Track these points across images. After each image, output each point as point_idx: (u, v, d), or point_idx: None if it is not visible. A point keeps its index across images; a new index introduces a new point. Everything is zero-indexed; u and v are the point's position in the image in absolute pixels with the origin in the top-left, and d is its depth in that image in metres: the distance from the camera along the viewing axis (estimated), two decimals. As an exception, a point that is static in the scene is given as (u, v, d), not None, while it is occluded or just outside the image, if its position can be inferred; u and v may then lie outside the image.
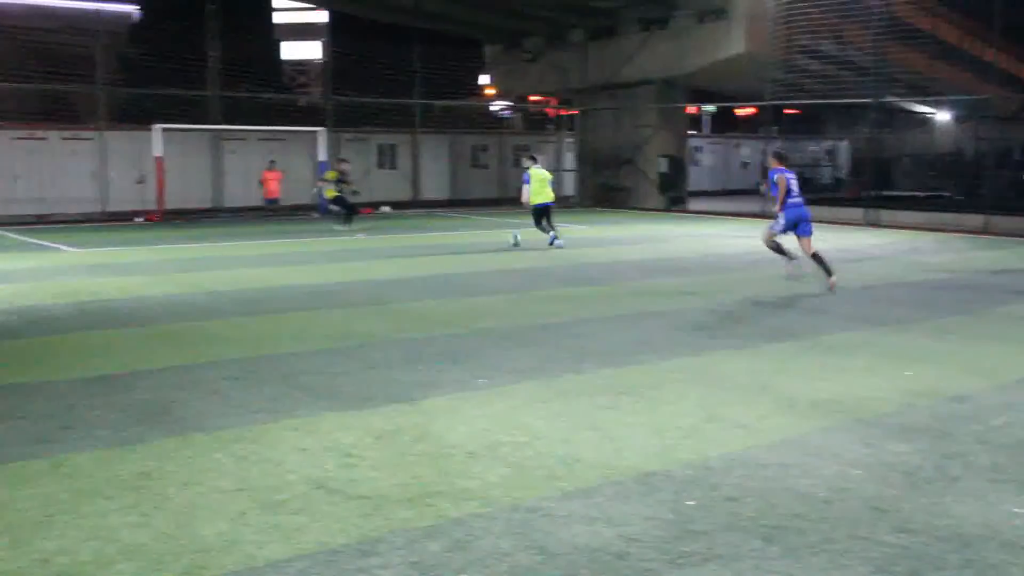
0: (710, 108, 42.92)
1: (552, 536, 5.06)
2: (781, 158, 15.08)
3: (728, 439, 6.80)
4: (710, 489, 5.78)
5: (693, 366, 9.15)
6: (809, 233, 14.58)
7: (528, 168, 20.68)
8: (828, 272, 14.27)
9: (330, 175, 24.73)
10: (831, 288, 14.07)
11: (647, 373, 8.85)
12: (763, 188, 20.02)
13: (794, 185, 14.67)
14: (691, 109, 39.48)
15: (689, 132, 40.67)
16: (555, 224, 20.91)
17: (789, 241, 14.71)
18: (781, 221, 14.63)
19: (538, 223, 20.76)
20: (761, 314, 12.24)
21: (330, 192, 24.37)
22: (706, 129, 52.45)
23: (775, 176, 14.69)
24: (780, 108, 34.19)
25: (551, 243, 20.46)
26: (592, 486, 5.83)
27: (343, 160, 25.86)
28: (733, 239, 23.02)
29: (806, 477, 5.99)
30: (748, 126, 53.12)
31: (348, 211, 24.38)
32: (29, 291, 13.99)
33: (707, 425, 7.15)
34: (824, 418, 7.34)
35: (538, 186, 20.36)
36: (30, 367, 9.13)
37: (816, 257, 14.44)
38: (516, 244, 20.67)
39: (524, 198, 20.60)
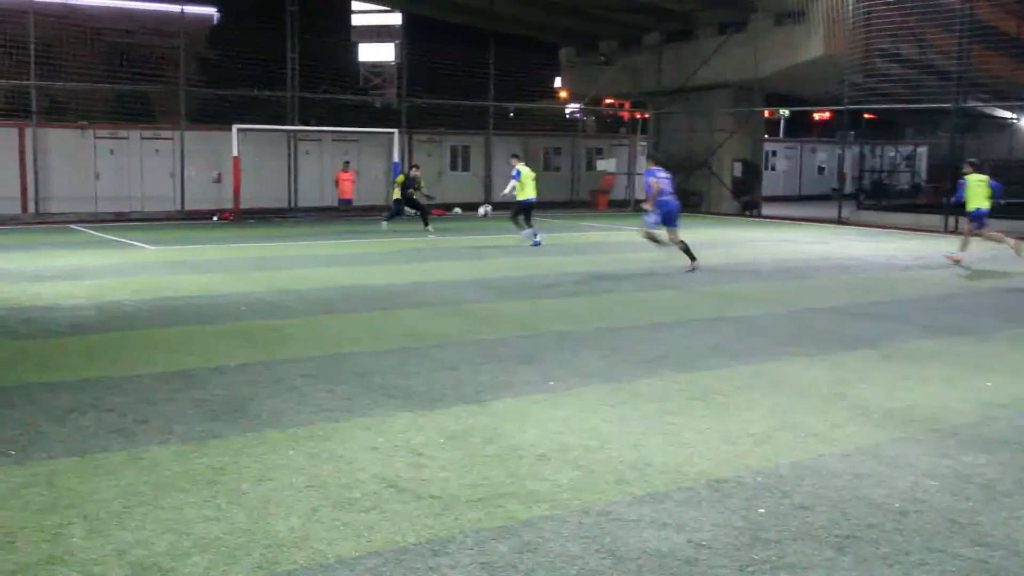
0: (784, 112, 42.50)
1: (621, 540, 5.06)
2: (657, 161, 18.19)
3: (800, 447, 6.73)
4: (781, 497, 5.73)
5: (766, 373, 9.07)
6: (677, 226, 17.42)
7: (516, 166, 21.86)
8: (692, 257, 17.26)
9: (399, 179, 25.56)
10: (692, 269, 17.06)
11: (720, 379, 8.79)
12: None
13: (666, 185, 17.27)
14: (766, 113, 39.10)
15: (764, 136, 40.25)
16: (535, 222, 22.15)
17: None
18: (653, 216, 17.25)
19: (515, 218, 22.01)
20: (838, 321, 12.08)
21: (395, 194, 25.33)
22: (781, 133, 51.90)
23: (649, 178, 17.44)
24: (858, 112, 33.73)
25: (533, 243, 21.48)
26: (662, 491, 5.81)
27: (414, 166, 26.49)
28: (809, 245, 22.75)
29: (880, 487, 5.90)
30: (824, 130, 52.50)
31: (421, 213, 24.93)
32: (110, 287, 14.29)
33: (779, 432, 7.08)
34: (899, 428, 7.23)
35: (527, 184, 21.58)
36: (110, 361, 9.33)
37: (682, 244, 17.36)
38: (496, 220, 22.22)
39: (507, 191, 22.03)
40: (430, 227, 24.22)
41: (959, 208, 20.25)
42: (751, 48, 32.11)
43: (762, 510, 5.51)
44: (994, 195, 19.16)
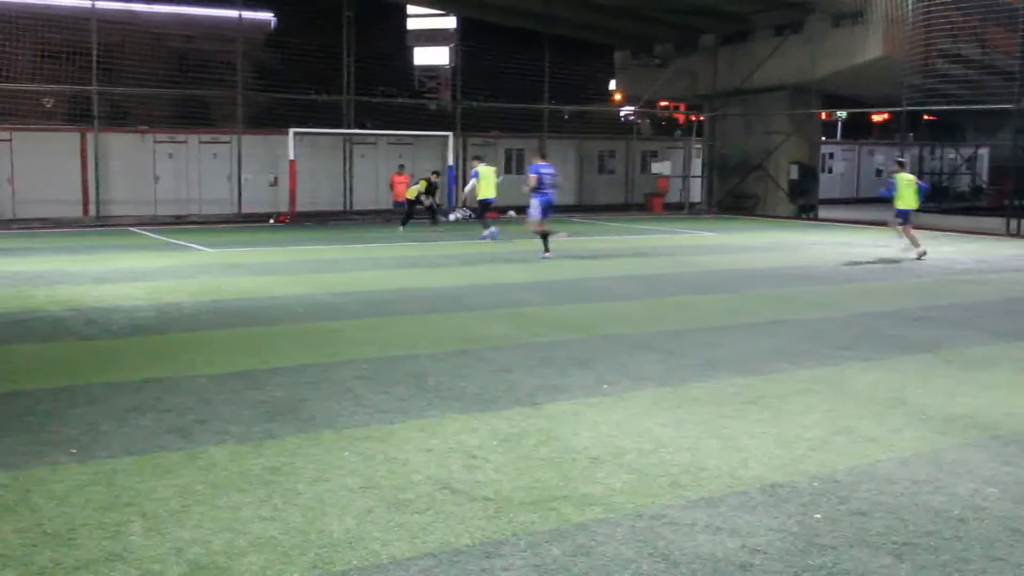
0: (842, 114, 42.05)
1: (675, 544, 5.04)
2: (542, 155, 20.29)
3: (858, 452, 6.66)
4: (838, 503, 5.67)
5: (823, 377, 8.98)
6: (547, 217, 19.48)
7: (476, 167, 23.08)
8: (546, 247, 19.26)
9: (422, 184, 26.57)
10: (543, 256, 19.04)
11: (776, 383, 8.72)
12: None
13: (546, 180, 19.16)
14: (823, 115, 38.71)
15: (821, 138, 39.85)
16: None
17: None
18: (537, 209, 19.29)
19: (482, 216, 23.32)
20: (897, 325, 11.93)
21: (411, 193, 26.42)
22: (839, 135, 51.35)
23: (532, 173, 19.41)
24: (917, 114, 33.27)
25: (482, 238, 22.90)
26: (717, 495, 5.78)
27: (435, 173, 27.99)
28: (867, 248, 22.48)
29: (939, 494, 5.82)
30: (883, 132, 51.86)
31: (431, 214, 26.39)
32: (169, 289, 14.49)
33: (836, 437, 7.01)
34: (960, 434, 7.13)
35: (486, 183, 22.70)
36: (169, 362, 9.46)
37: (543, 235, 19.23)
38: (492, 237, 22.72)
39: (467, 191, 23.33)
40: (438, 227, 25.25)
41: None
42: (808, 49, 31.81)
43: (818, 515, 5.47)
44: (920, 195, 20.53)
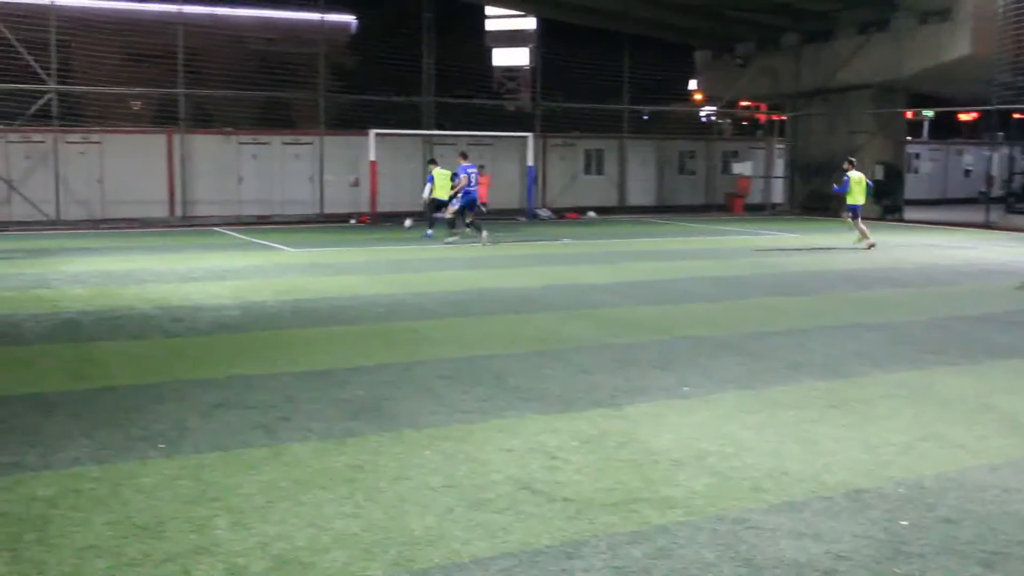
0: (928, 113, 41.23)
1: (757, 549, 4.98)
2: (465, 156, 23.44)
3: (945, 459, 6.53)
4: (925, 510, 5.56)
5: (910, 381, 8.82)
6: (473, 210, 22.66)
7: (432, 171, 24.29)
8: (453, 234, 22.55)
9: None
10: (446, 243, 21.85)
11: (861, 387, 8.59)
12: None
13: (473, 179, 22.59)
14: (909, 114, 37.99)
15: (907, 138, 39.11)
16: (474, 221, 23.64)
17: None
18: (457, 203, 22.68)
19: (436, 211, 24.35)
20: (987, 329, 11.67)
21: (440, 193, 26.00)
22: (925, 135, 50.36)
23: (462, 173, 22.55)
24: (1007, 113, 32.49)
25: (424, 235, 24.11)
26: (800, 500, 5.71)
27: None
28: (954, 250, 22.03)
29: (1031, 502, 5.69)
30: (971, 132, 50.76)
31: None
32: (253, 288, 14.72)
33: (923, 443, 6.88)
34: (1052, 441, 6.95)
35: (440, 184, 23.88)
36: (253, 360, 9.62)
37: (453, 223, 22.72)
38: (482, 241, 22.87)
39: (426, 195, 24.30)
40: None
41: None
42: (893, 48, 31.25)
43: (904, 522, 5.37)
44: (868, 192, 22.76)
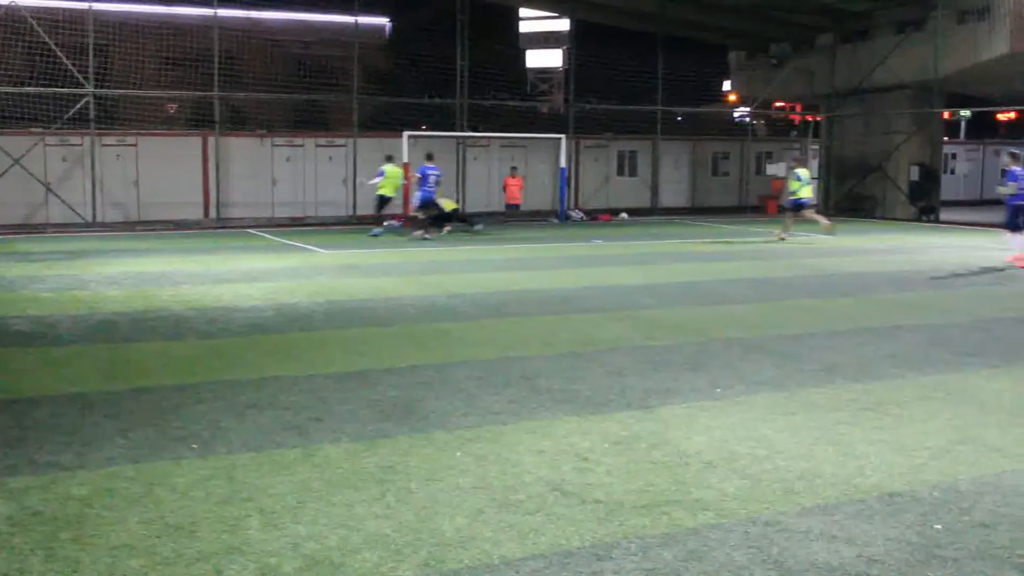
0: (966, 113, 40.82)
1: (789, 552, 4.95)
2: (431, 157, 24.54)
3: (981, 462, 6.46)
4: (960, 514, 5.51)
5: (946, 384, 8.74)
6: (430, 208, 24.07)
7: (384, 166, 25.14)
8: (425, 231, 23.65)
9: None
10: (409, 238, 23.51)
11: (895, 389, 8.52)
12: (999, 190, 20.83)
13: (431, 180, 23.85)
14: (946, 114, 37.62)
15: (944, 138, 38.71)
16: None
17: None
18: (417, 201, 24.14)
19: (382, 208, 25.34)
20: None
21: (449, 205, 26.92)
22: (962, 135, 49.86)
23: (419, 172, 24.02)
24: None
25: (372, 234, 24.80)
26: (832, 503, 5.67)
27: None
28: (991, 252, 21.78)
29: (1069, 507, 5.61)
30: (1010, 131, 50.19)
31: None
32: (286, 289, 14.80)
33: (958, 447, 6.81)
34: (1090, 445, 6.86)
35: (388, 181, 24.98)
36: (287, 361, 9.67)
37: (427, 220, 24.04)
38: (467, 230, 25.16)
39: (372, 181, 25.23)
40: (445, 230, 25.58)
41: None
42: (931, 47, 30.98)
43: (938, 526, 5.32)
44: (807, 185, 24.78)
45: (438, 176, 24.40)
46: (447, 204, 26.54)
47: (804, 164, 25.56)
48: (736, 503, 5.67)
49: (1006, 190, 19.53)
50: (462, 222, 26.73)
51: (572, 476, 6.14)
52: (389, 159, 25.54)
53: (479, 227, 26.90)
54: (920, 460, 6.49)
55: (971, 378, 9.00)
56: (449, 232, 24.99)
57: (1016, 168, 19.43)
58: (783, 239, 24.05)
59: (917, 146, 33.57)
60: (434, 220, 25.15)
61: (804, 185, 24.52)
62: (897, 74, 32.36)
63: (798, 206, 24.47)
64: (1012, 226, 19.52)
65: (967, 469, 6.31)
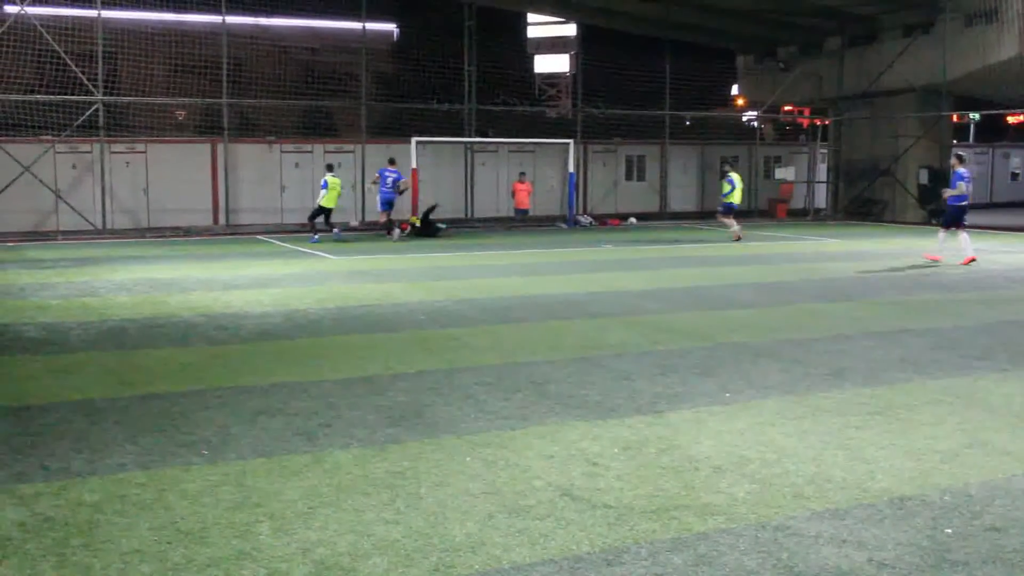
0: (974, 116, 40.71)
1: (799, 556, 4.95)
2: (391, 162, 26.12)
3: (991, 466, 6.45)
4: (971, 517, 5.50)
5: (955, 388, 8.72)
6: (389, 209, 25.89)
7: (326, 177, 25.34)
8: (389, 230, 25.60)
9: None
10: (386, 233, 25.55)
11: (905, 393, 8.50)
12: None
13: (388, 181, 25.58)
14: (954, 117, 37.53)
15: (953, 142, 38.64)
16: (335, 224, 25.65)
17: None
18: (379, 202, 25.90)
19: (316, 217, 25.51)
20: (1030, 335, 11.52)
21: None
22: (971, 138, 49.75)
23: (378, 173, 25.79)
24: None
25: (312, 241, 24.84)
26: (842, 507, 5.67)
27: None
28: (1001, 255, 21.75)
29: (1079, 510, 5.60)
30: (1018, 134, 50.10)
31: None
32: (295, 296, 14.82)
33: (968, 450, 6.80)
34: (1101, 448, 6.84)
35: (332, 192, 25.19)
36: (296, 367, 9.69)
37: (389, 223, 25.87)
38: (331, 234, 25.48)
39: (319, 199, 25.44)
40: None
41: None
42: (939, 51, 30.93)
43: (949, 530, 5.31)
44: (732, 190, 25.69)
45: (396, 178, 25.83)
46: (414, 219, 27.37)
47: (736, 169, 26.80)
48: (746, 507, 5.67)
49: (953, 192, 20.04)
50: (427, 230, 27.08)
51: (582, 481, 6.14)
52: (330, 169, 25.74)
53: (443, 227, 27.89)
54: (930, 464, 6.49)
55: (980, 382, 8.98)
56: (400, 240, 25.73)
57: (962, 170, 20.14)
58: (738, 236, 25.24)
59: (926, 149, 33.52)
60: (413, 229, 26.42)
61: (735, 190, 25.79)
62: (905, 77, 32.32)
63: (728, 209, 25.78)
64: (947, 225, 20.27)
65: (977, 473, 6.30)
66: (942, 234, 20.34)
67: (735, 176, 26.13)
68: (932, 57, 31.28)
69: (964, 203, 19.95)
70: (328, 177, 25.21)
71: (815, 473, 6.29)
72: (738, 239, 25.12)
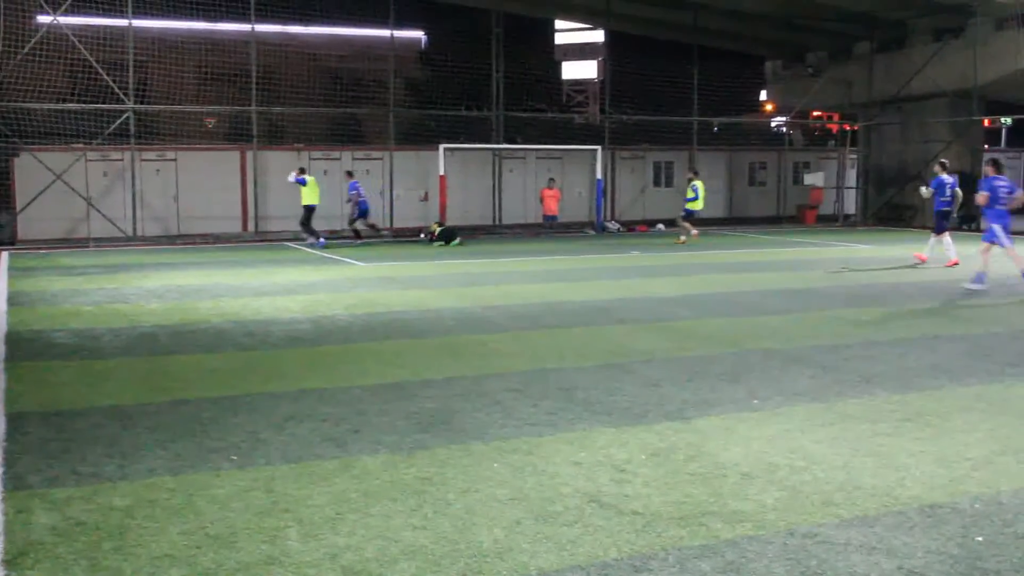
0: (1006, 120, 40.37)
1: (828, 564, 4.93)
2: (350, 175, 27.60)
3: (1023, 474, 6.39)
4: (1003, 526, 5.45)
5: (988, 395, 8.65)
6: (367, 218, 27.36)
7: (303, 175, 26.47)
8: (358, 235, 27.36)
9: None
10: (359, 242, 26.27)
11: (936, 400, 8.44)
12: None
13: (363, 192, 27.07)
14: (985, 122, 37.23)
15: (984, 146, 38.31)
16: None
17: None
18: (358, 212, 26.85)
19: (308, 221, 26.44)
20: (1063, 341, 11.40)
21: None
22: (1003, 143, 49.34)
23: (354, 187, 26.90)
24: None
25: (311, 244, 26.22)
26: (872, 515, 5.63)
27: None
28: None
29: (1113, 518, 5.54)
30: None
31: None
32: (324, 302, 14.88)
33: (1000, 457, 6.74)
34: None
35: (311, 190, 26.29)
36: (325, 373, 9.72)
37: (368, 231, 27.59)
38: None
39: (305, 200, 26.43)
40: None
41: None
42: (969, 55, 30.72)
43: (980, 538, 5.27)
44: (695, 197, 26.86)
45: (354, 191, 27.13)
46: (434, 227, 27.68)
47: (698, 176, 27.68)
48: (774, 515, 5.64)
49: (928, 193, 21.47)
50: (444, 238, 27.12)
51: (609, 487, 6.13)
52: (303, 170, 27.00)
53: (385, 233, 29.15)
54: (961, 471, 6.43)
55: (1012, 388, 8.91)
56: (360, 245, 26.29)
57: (943, 176, 21.10)
58: (684, 242, 26.44)
59: (957, 154, 33.23)
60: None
61: (698, 198, 26.88)
62: (935, 82, 32.12)
63: (689, 215, 26.94)
64: (940, 230, 21.01)
65: (1009, 480, 6.24)
66: (932, 239, 21.23)
67: (699, 184, 27.05)
68: (963, 61, 31.07)
69: (947, 209, 21.17)
70: (307, 176, 26.47)
71: (844, 480, 6.25)
72: (682, 242, 26.39)
